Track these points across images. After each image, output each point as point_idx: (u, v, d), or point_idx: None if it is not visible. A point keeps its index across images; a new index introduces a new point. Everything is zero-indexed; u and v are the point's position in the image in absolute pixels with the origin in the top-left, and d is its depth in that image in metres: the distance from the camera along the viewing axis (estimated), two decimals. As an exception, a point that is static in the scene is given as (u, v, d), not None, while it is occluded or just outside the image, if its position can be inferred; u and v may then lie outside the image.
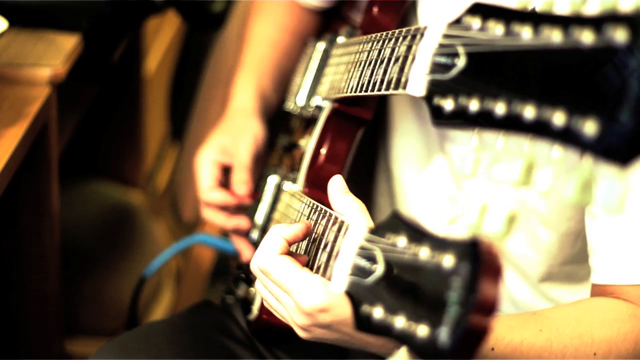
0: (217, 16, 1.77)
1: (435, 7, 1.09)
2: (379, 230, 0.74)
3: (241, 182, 1.22)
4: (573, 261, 1.09)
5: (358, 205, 0.87)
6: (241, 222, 1.22)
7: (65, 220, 1.49)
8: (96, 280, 1.78)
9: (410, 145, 1.18)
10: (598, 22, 0.57)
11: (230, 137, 1.25)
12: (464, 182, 1.11)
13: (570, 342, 0.93)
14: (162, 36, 2.25)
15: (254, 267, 0.91)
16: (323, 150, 1.09)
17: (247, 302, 1.16)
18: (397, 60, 0.86)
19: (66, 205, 1.56)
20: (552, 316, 0.96)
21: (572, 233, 1.06)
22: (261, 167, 1.29)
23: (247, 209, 1.26)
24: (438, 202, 1.15)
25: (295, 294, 0.84)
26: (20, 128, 1.14)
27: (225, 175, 1.25)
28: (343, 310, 0.80)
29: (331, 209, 0.90)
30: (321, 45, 1.23)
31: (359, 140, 1.10)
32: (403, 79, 0.82)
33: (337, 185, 0.90)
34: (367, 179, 1.31)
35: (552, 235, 1.07)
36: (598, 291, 1.00)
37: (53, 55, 1.28)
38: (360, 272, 0.74)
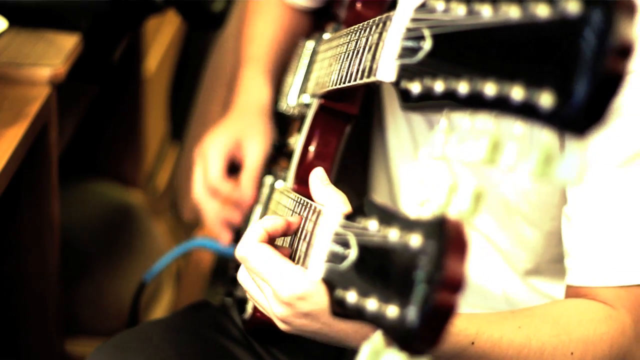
0: (217, 16, 1.77)
1: None
2: (352, 216, 0.75)
3: (249, 185, 1.22)
4: (560, 260, 1.09)
5: (340, 196, 0.86)
6: (233, 215, 1.22)
7: (65, 220, 1.49)
8: (96, 280, 1.78)
9: (402, 140, 1.19)
10: None
11: (247, 132, 1.25)
12: (436, 171, 1.12)
13: (549, 340, 0.93)
14: (162, 36, 2.24)
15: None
16: (311, 147, 1.09)
17: (242, 302, 1.16)
18: (370, 48, 0.87)
19: (66, 205, 1.56)
20: (530, 314, 0.97)
21: (556, 232, 1.06)
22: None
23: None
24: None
25: (272, 282, 0.83)
26: (20, 128, 1.14)
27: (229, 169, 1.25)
28: (321, 298, 0.79)
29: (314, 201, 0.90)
30: (310, 44, 1.23)
31: (347, 136, 1.11)
32: (374, 66, 0.83)
33: (318, 177, 0.89)
34: (363, 176, 1.31)
35: (537, 234, 1.08)
36: (572, 293, 1.00)
37: (53, 55, 1.28)
38: (335, 257, 0.74)
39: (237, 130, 1.25)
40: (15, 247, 1.36)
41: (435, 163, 1.09)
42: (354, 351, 1.20)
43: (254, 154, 1.23)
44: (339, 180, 1.10)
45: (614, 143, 0.93)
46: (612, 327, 0.95)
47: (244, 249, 0.87)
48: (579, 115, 0.56)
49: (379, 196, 1.28)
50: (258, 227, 0.88)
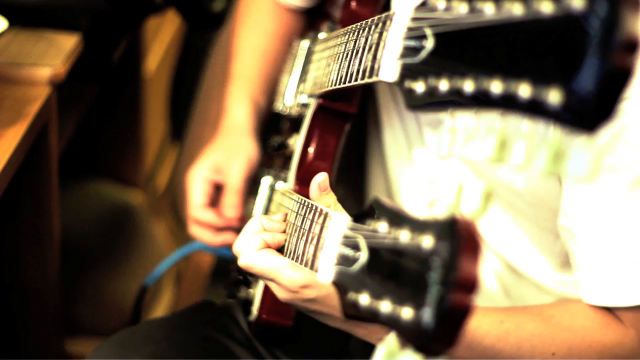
0: (217, 16, 1.77)
1: None
2: (360, 218, 0.75)
3: (231, 205, 1.22)
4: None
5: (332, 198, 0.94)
6: (227, 237, 1.23)
7: (65, 220, 1.49)
8: (96, 280, 1.78)
9: (397, 139, 1.19)
10: None
11: (225, 156, 1.25)
12: (444, 171, 1.12)
13: (529, 337, 0.96)
14: (162, 36, 2.24)
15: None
16: (311, 148, 1.09)
17: (247, 304, 1.16)
18: (370, 48, 0.87)
19: (66, 205, 1.56)
20: (521, 311, 0.99)
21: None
22: (250, 187, 1.29)
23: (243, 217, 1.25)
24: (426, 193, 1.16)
25: (278, 280, 0.92)
26: (20, 128, 1.14)
27: (217, 192, 1.25)
28: (325, 285, 0.89)
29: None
30: (305, 44, 1.23)
31: (346, 135, 1.11)
32: (376, 66, 0.83)
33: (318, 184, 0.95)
34: (361, 175, 1.31)
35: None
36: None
37: (53, 55, 1.28)
38: (345, 260, 0.75)
39: (217, 156, 1.25)
40: (15, 247, 1.36)
41: (441, 162, 1.10)
42: (355, 353, 1.21)
43: (234, 176, 1.23)
44: (337, 180, 1.10)
45: (620, 167, 0.93)
46: (607, 336, 0.97)
47: (245, 260, 0.94)
48: (588, 111, 0.56)
49: (377, 195, 1.28)
50: (257, 239, 0.94)
